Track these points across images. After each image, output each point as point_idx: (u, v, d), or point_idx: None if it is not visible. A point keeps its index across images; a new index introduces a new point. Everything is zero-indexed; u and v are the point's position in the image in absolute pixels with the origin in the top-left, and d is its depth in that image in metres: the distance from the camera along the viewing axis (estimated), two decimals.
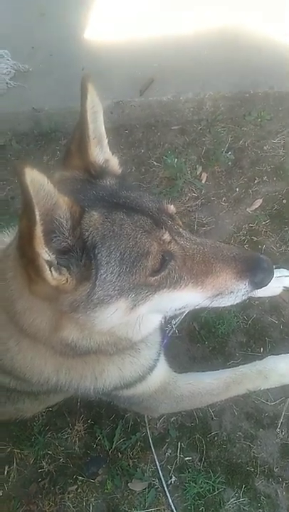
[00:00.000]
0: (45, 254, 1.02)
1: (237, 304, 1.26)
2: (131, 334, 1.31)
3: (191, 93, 2.97)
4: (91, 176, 1.26)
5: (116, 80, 3.10)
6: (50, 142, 3.02)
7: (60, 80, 3.15)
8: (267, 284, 1.27)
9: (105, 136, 1.31)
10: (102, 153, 1.31)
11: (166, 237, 1.17)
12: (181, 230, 1.24)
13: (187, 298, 1.24)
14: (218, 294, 1.23)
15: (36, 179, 0.93)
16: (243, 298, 1.25)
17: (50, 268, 1.04)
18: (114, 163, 1.35)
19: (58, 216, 1.04)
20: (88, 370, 1.47)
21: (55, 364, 1.42)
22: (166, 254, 1.17)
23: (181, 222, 1.28)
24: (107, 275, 1.11)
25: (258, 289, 1.26)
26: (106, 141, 1.32)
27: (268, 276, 1.26)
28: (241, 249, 1.29)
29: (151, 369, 1.62)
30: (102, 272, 1.10)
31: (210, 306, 1.26)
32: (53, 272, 1.05)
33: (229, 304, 1.25)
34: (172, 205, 1.27)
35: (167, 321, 1.83)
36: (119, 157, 1.38)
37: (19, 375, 1.46)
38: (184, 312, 2.07)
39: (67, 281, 1.07)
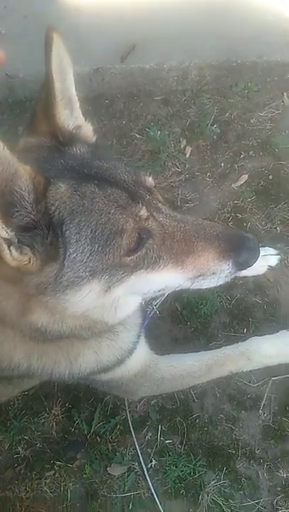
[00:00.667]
0: (1, 231, 0.90)
1: (220, 285, 1.18)
2: (106, 317, 1.22)
3: (176, 61, 2.80)
4: (59, 142, 1.13)
5: (95, 45, 2.89)
6: (26, 111, 2.82)
7: (36, 44, 2.82)
8: (252, 265, 1.18)
9: (76, 100, 1.19)
10: (73, 118, 1.18)
11: (143, 213, 1.06)
12: (160, 205, 1.14)
13: (167, 279, 1.15)
14: (199, 275, 1.14)
15: None
16: (226, 279, 1.16)
17: (8, 247, 0.93)
18: (88, 130, 1.23)
19: (19, 188, 0.92)
20: (62, 355, 1.38)
21: (25, 349, 1.32)
22: (143, 231, 1.07)
23: (160, 197, 1.17)
24: (76, 255, 1.00)
25: (242, 269, 1.17)
26: (77, 104, 1.19)
27: (253, 256, 1.16)
28: (225, 227, 1.21)
29: (130, 352, 1.54)
30: (71, 251, 0.99)
31: (191, 287, 1.17)
32: (13, 252, 0.94)
33: (212, 285, 1.16)
34: (151, 178, 1.16)
35: (148, 302, 1.75)
36: (99, 128, 1.26)
37: None
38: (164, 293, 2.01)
39: (30, 261, 0.96)
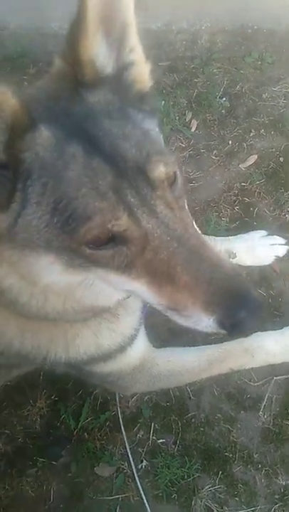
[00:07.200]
0: None
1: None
2: (90, 298, 1.05)
3: (186, 23, 2.54)
4: (78, 83, 0.89)
5: None
6: (16, 69, 2.56)
7: None
8: (242, 334, 0.95)
9: (134, 26, 0.91)
10: (125, 49, 0.93)
11: (121, 222, 0.83)
12: (159, 207, 0.87)
13: (138, 291, 0.94)
14: (174, 309, 0.92)
15: None
16: (205, 330, 0.92)
17: None
18: (142, 72, 0.96)
19: None
20: (59, 333, 1.23)
21: (18, 324, 1.17)
22: (115, 235, 0.85)
23: (168, 195, 0.89)
24: (33, 218, 0.84)
25: (227, 332, 0.92)
26: (134, 31, 0.92)
27: (245, 327, 0.90)
28: (228, 274, 0.89)
29: (132, 339, 1.40)
30: (28, 211, 0.84)
31: (165, 314, 0.96)
32: None
33: (186, 326, 0.93)
34: (163, 167, 0.86)
35: None
36: None
37: None
38: None
39: None
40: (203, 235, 0.96)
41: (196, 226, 0.96)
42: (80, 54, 0.87)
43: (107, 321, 1.28)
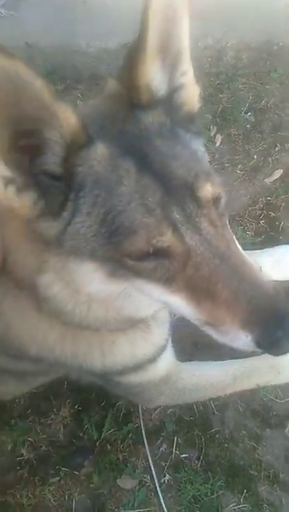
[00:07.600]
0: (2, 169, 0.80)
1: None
2: (130, 308, 1.09)
3: (211, 39, 2.59)
4: (133, 104, 0.93)
5: (124, 19, 2.67)
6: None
7: (59, 11, 2.71)
8: (279, 352, 0.94)
9: (187, 52, 0.96)
10: (177, 73, 0.97)
11: (165, 238, 0.86)
12: (202, 224, 0.89)
13: (176, 304, 0.96)
14: (211, 324, 0.93)
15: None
16: (241, 348, 0.94)
17: (5, 185, 0.82)
18: (192, 94, 1.00)
19: (51, 135, 0.82)
20: (97, 341, 1.25)
21: (60, 331, 1.19)
22: (158, 250, 0.88)
23: (213, 214, 0.90)
24: (82, 227, 0.88)
25: (263, 351, 0.95)
26: (187, 58, 0.96)
27: (283, 345, 0.90)
28: (266, 292, 0.91)
29: (162, 350, 1.41)
30: (77, 220, 0.87)
31: (201, 329, 0.97)
32: (9, 191, 0.83)
33: (221, 342, 0.95)
34: (210, 186, 0.89)
35: None
36: None
37: (13, 344, 1.22)
38: None
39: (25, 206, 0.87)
40: (244, 253, 0.97)
41: (237, 244, 0.97)
42: (138, 80, 0.91)
43: (141, 331, 1.30)
